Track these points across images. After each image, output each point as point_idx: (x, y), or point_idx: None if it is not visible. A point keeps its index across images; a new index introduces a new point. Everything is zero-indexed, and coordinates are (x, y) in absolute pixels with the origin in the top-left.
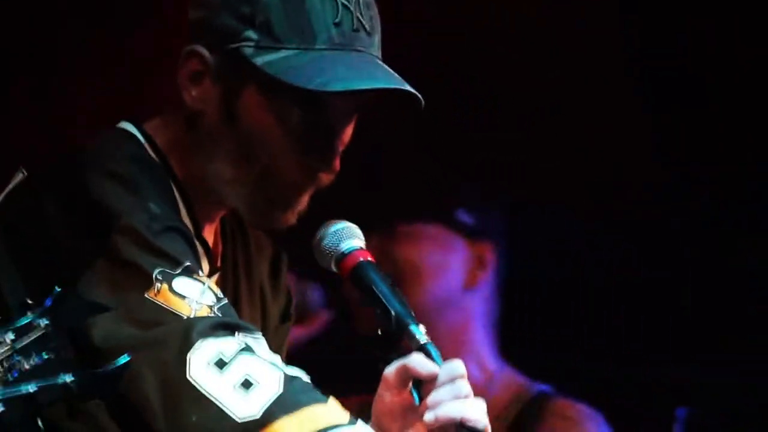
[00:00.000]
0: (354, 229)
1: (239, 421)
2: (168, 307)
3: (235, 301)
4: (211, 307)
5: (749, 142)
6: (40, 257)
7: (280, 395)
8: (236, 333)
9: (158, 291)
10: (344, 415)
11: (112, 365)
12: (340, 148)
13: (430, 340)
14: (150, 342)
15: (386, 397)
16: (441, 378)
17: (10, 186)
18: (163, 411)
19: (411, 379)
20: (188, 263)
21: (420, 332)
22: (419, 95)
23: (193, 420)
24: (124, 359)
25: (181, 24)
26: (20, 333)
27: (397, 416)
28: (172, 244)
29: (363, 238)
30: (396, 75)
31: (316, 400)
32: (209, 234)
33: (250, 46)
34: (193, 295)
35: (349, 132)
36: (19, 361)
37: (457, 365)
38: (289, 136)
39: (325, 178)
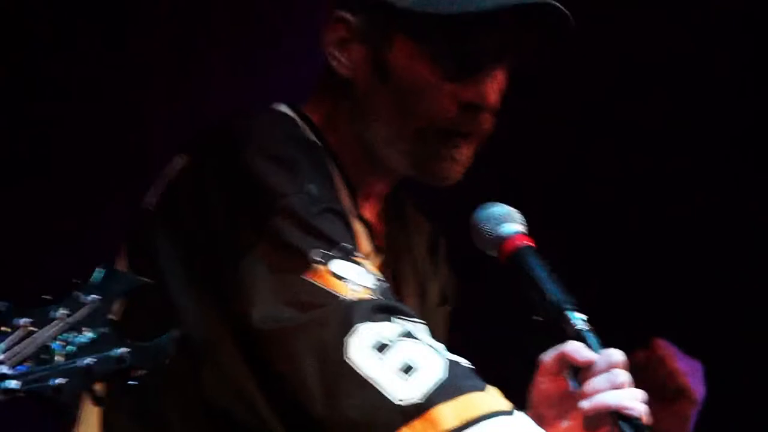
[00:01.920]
0: (514, 213)
1: (398, 406)
2: (327, 289)
3: (395, 282)
4: (370, 288)
5: None
6: (202, 241)
7: (441, 381)
8: (396, 316)
9: (317, 272)
10: (504, 403)
11: (165, 336)
12: (497, 87)
13: (588, 327)
14: (309, 324)
15: (543, 383)
16: (598, 366)
17: (172, 172)
18: (321, 393)
19: (568, 366)
20: (347, 245)
21: (578, 318)
22: (567, 13)
23: (352, 403)
24: (176, 331)
25: None
26: (73, 309)
27: (553, 403)
28: (331, 226)
29: (524, 222)
30: None
31: (477, 388)
32: (371, 213)
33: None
34: (352, 276)
35: (502, 75)
36: (75, 335)
37: (615, 353)
38: (443, 78)
39: (485, 122)
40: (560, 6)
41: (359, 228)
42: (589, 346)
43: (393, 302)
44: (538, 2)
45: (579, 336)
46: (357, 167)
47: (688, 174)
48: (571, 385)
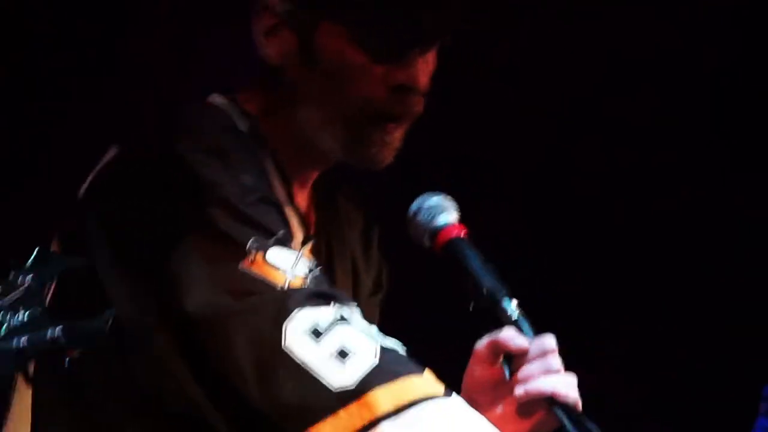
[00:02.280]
0: (448, 202)
1: (334, 390)
2: (262, 278)
3: (328, 269)
4: (304, 276)
5: None
6: (133, 230)
7: (376, 366)
8: (331, 303)
9: (253, 261)
10: (440, 387)
11: (98, 318)
12: (426, 69)
13: (522, 314)
14: (245, 311)
15: (477, 370)
16: (532, 352)
17: (102, 163)
18: (256, 379)
19: (502, 353)
20: (282, 234)
21: (511, 306)
22: None
23: (288, 388)
24: (110, 312)
25: None
26: (6, 290)
27: (487, 390)
28: (265, 215)
29: (457, 211)
30: None
31: (412, 371)
32: (302, 201)
33: None
34: (287, 265)
35: (432, 57)
36: (7, 317)
37: (548, 340)
38: (372, 61)
39: (416, 104)
40: None
41: (292, 216)
42: (523, 333)
43: (327, 289)
44: None
45: (514, 323)
46: (291, 155)
47: (674, 168)
48: (505, 371)
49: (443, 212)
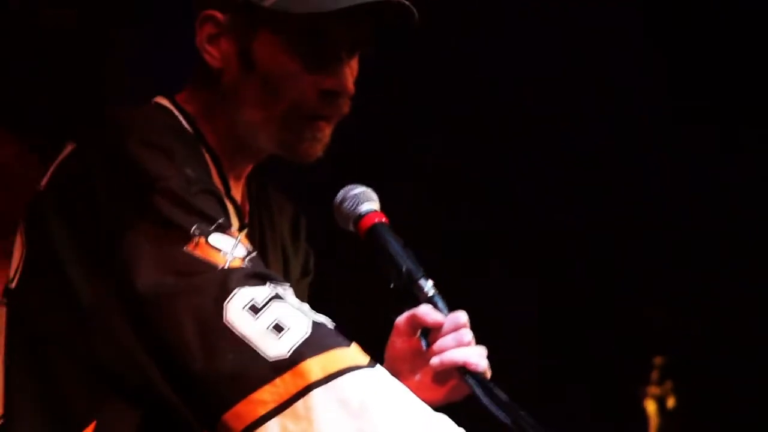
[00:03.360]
0: (370, 193)
1: (270, 360)
2: (205, 259)
3: (262, 254)
4: (243, 258)
5: None
6: (88, 220)
7: (308, 338)
8: (267, 282)
9: (196, 244)
10: (365, 358)
11: None
12: (351, 74)
13: (437, 293)
14: (189, 290)
15: (397, 343)
16: (446, 327)
17: (60, 157)
18: (201, 352)
19: (419, 327)
20: (222, 221)
21: (428, 285)
22: (413, 8)
23: (229, 359)
24: None
25: None
26: None
27: (407, 360)
28: (207, 204)
29: (377, 200)
30: None
31: (340, 344)
32: (237, 193)
33: None
34: (227, 248)
35: (355, 63)
36: None
37: (461, 315)
38: (303, 69)
39: (344, 106)
40: (405, 2)
41: (230, 207)
42: (438, 309)
43: (264, 270)
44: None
45: (430, 301)
46: (226, 152)
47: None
48: (422, 343)
49: (366, 201)
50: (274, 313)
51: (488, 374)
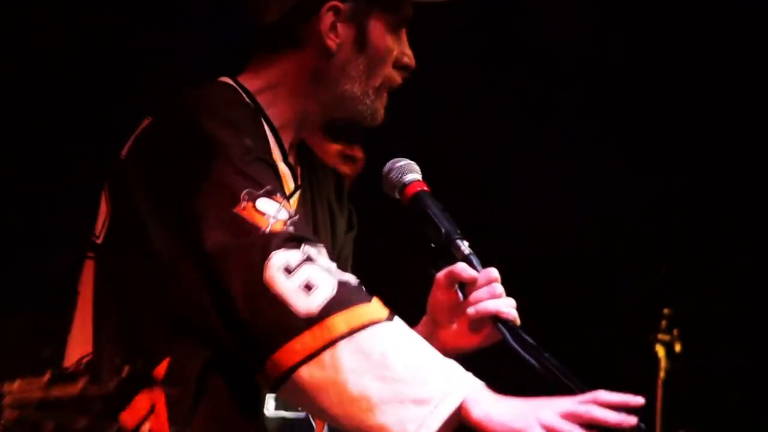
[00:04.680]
0: (413, 165)
1: (301, 316)
2: (250, 221)
3: (312, 211)
4: (285, 221)
5: None
6: (163, 182)
7: (334, 295)
8: (302, 245)
9: (244, 207)
10: (385, 312)
11: None
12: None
13: (472, 252)
14: (238, 250)
15: (438, 295)
16: (480, 281)
17: (139, 129)
18: (244, 304)
19: (457, 281)
20: (269, 187)
21: (464, 245)
22: None
23: (266, 313)
24: None
25: None
26: None
27: (446, 310)
28: (258, 172)
29: (420, 171)
30: None
31: (362, 300)
32: (293, 159)
33: None
34: (271, 212)
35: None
36: None
37: (492, 271)
38: (395, 43)
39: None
40: None
41: (286, 171)
42: (473, 266)
43: (301, 233)
44: None
45: (465, 258)
46: (289, 123)
47: None
48: (460, 296)
49: (410, 172)
50: (305, 273)
51: (517, 322)
